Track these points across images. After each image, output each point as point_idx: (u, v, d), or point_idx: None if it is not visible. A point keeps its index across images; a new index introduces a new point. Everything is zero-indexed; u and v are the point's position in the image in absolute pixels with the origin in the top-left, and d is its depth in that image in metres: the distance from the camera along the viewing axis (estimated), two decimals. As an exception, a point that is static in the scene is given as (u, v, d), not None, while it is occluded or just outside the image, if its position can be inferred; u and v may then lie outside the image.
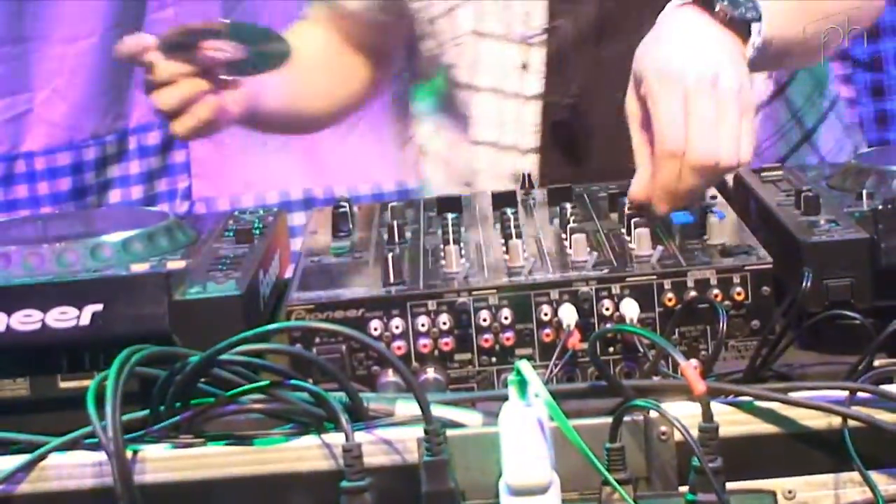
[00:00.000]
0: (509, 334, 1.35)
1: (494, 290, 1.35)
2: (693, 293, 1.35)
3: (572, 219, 1.51)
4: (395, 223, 1.54)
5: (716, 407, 1.15)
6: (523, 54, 1.95)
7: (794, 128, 2.07)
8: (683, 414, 1.13)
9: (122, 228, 1.48)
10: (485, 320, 1.35)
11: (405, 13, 2.07)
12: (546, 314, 1.35)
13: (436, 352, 1.35)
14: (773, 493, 1.18)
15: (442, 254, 1.43)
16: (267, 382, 1.21)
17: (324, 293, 1.37)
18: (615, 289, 1.35)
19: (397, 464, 1.17)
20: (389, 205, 1.67)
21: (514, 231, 1.47)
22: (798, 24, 1.70)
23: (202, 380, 1.21)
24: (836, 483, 1.19)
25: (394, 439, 1.18)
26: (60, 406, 1.31)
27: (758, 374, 1.29)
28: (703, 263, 1.37)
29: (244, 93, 1.81)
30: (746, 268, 1.36)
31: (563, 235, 1.48)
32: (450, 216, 1.58)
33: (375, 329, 1.35)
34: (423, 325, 1.35)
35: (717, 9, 1.54)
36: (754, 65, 1.56)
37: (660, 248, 1.40)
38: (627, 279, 1.35)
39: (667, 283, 1.35)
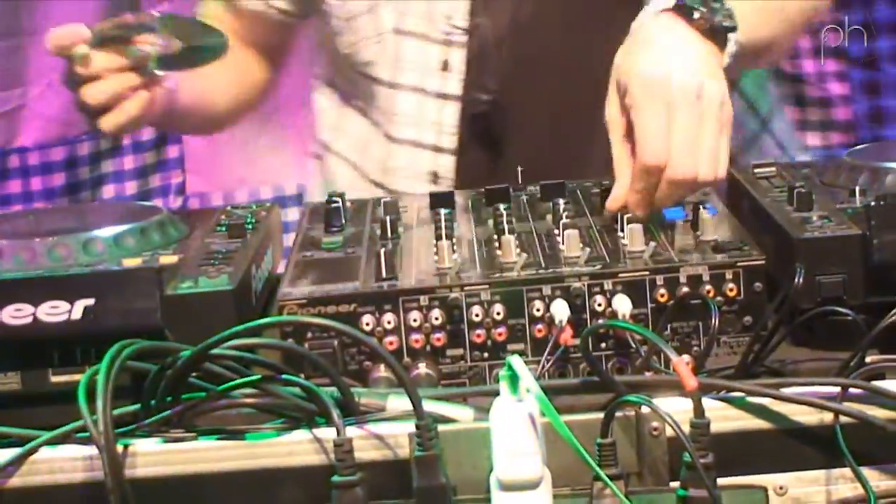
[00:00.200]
0: (501, 330, 1.35)
1: (486, 286, 1.35)
2: (685, 289, 1.35)
3: (565, 214, 1.51)
4: (387, 218, 1.54)
5: (707, 403, 1.15)
6: (444, 53, 1.95)
7: (750, 116, 2.08)
8: (675, 409, 1.13)
9: (115, 223, 1.48)
10: (477, 315, 1.35)
11: (310, 12, 2.06)
12: (538, 310, 1.35)
13: (428, 347, 1.35)
14: (765, 489, 1.18)
15: (434, 249, 1.43)
16: (258, 377, 1.21)
17: (316, 288, 1.37)
18: (607, 284, 1.35)
19: (389, 459, 1.17)
20: (382, 200, 1.67)
21: (506, 227, 1.47)
22: (764, 28, 1.70)
23: (193, 374, 1.21)
24: (828, 479, 1.19)
25: (385, 434, 1.18)
26: (51, 400, 1.31)
27: (750, 370, 1.29)
28: (695, 260, 1.37)
29: (166, 89, 1.75)
30: (739, 264, 1.36)
31: (556, 231, 1.48)
32: (442, 212, 1.57)
33: (367, 324, 1.35)
34: (415, 321, 1.35)
35: (696, 17, 1.53)
36: (726, 71, 1.56)
37: (652, 243, 1.40)
38: (620, 275, 1.35)
39: (659, 279, 1.35)
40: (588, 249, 1.41)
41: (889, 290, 1.35)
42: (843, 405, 1.17)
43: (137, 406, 1.21)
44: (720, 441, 1.14)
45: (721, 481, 1.12)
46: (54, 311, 1.32)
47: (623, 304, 1.34)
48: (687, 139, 1.45)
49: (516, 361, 1.12)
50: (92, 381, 1.15)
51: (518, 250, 1.41)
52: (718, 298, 1.35)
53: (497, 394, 1.13)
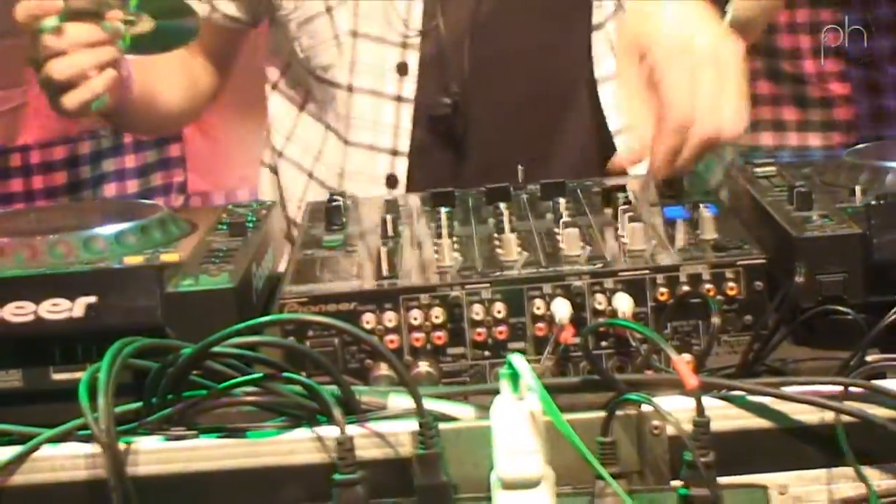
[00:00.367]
0: (502, 328, 1.35)
1: (487, 284, 1.35)
2: (686, 288, 1.35)
3: (565, 213, 1.51)
4: (388, 217, 1.54)
5: (708, 401, 1.15)
6: (401, 56, 1.95)
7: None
8: (676, 408, 1.14)
9: (116, 221, 1.48)
10: (477, 314, 1.35)
11: (259, 20, 2.05)
12: (539, 308, 1.35)
13: (428, 345, 1.35)
14: (765, 488, 1.18)
15: (436, 247, 1.43)
16: (260, 375, 1.21)
17: (316, 286, 1.37)
18: (608, 283, 1.35)
19: (390, 457, 1.18)
20: (383, 198, 1.67)
21: (507, 225, 1.47)
22: (753, 4, 1.78)
23: (195, 372, 1.21)
24: (829, 478, 1.19)
25: (386, 432, 1.18)
26: (53, 398, 1.31)
27: (750, 369, 1.29)
28: (695, 258, 1.37)
29: (123, 77, 1.71)
30: (739, 263, 1.36)
31: (557, 230, 1.48)
32: (443, 210, 1.58)
33: (368, 322, 1.35)
34: (415, 319, 1.35)
35: None
36: None
37: (652, 242, 1.40)
38: (620, 274, 1.35)
39: (660, 278, 1.35)
40: (588, 248, 1.41)
41: (889, 290, 1.35)
42: (843, 404, 1.17)
43: (139, 404, 1.21)
44: (721, 440, 1.14)
45: (722, 480, 1.12)
46: (56, 309, 1.32)
47: (623, 303, 1.34)
48: (711, 97, 1.53)
49: (517, 360, 1.12)
50: (93, 378, 1.15)
51: (519, 249, 1.41)
52: (719, 297, 1.35)
53: (498, 392, 1.13)
